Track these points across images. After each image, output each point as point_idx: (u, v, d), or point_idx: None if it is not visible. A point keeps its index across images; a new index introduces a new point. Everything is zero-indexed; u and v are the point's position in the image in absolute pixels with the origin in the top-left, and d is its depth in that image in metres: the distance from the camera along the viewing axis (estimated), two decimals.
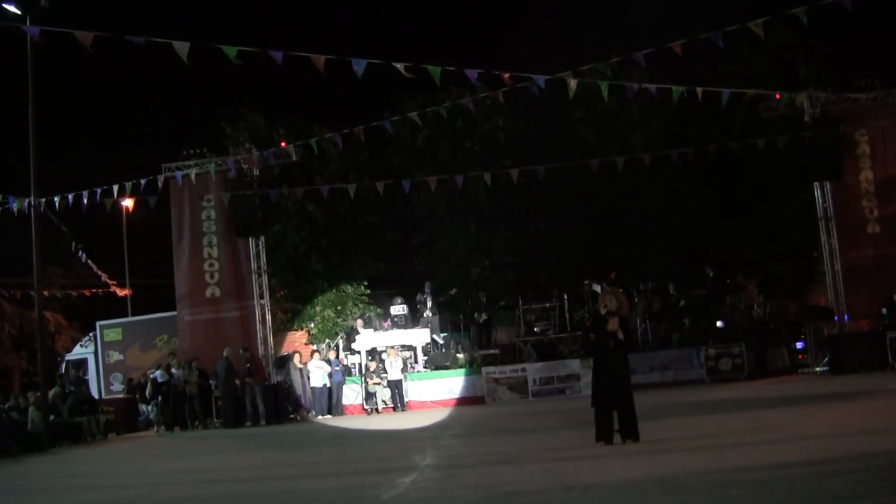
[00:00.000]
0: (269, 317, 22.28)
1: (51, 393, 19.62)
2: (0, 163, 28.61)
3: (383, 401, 21.40)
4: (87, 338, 28.28)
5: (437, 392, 21.65)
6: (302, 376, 21.57)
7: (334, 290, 25.48)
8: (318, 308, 25.25)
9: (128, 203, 30.86)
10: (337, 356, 22.76)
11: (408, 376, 21.80)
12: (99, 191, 20.10)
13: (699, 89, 17.38)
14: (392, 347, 21.86)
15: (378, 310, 24.86)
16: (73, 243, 27.65)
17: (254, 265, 22.10)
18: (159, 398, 21.16)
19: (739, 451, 8.68)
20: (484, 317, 24.15)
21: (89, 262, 29.05)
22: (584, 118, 25.96)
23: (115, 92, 42.52)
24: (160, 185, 21.35)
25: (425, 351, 22.92)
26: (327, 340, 24.71)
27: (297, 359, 21.98)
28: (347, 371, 22.28)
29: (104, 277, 31.53)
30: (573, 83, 15.65)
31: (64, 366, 26.97)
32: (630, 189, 25.26)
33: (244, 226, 21.79)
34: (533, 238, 25.95)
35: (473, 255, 26.14)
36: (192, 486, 10.30)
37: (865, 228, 21.26)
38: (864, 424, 10.26)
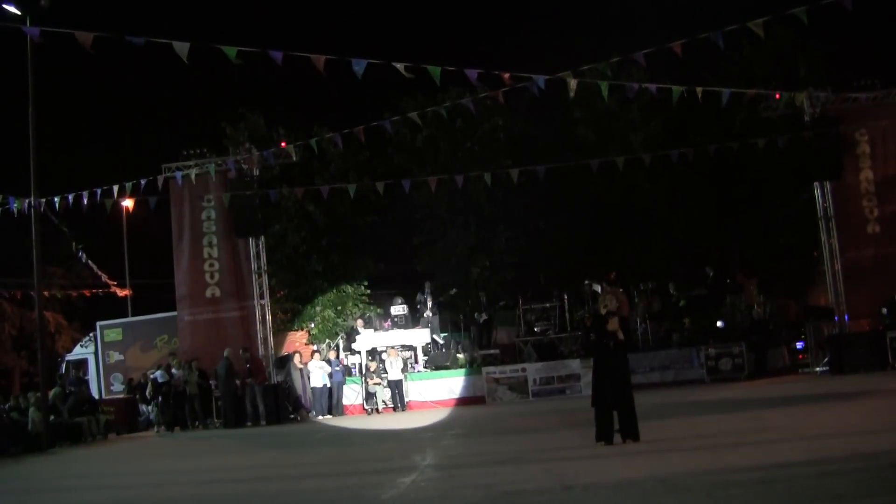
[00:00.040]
0: (269, 317, 22.28)
1: (51, 393, 19.62)
2: (0, 163, 28.60)
3: (383, 401, 21.41)
4: (87, 338, 28.28)
5: (438, 392, 21.65)
6: (302, 376, 21.57)
7: (334, 290, 25.47)
8: (318, 308, 25.24)
9: (128, 203, 30.85)
10: (337, 356, 22.77)
11: (408, 376, 21.80)
12: (99, 191, 20.11)
13: (699, 89, 17.38)
14: (392, 347, 21.86)
15: (378, 310, 24.86)
16: (74, 243, 27.66)
17: (254, 265, 22.11)
18: (159, 398, 21.16)
19: (739, 450, 8.69)
20: (484, 317, 24.15)
21: (90, 262, 29.07)
22: (584, 118, 25.95)
23: (115, 92, 42.51)
24: (160, 185, 21.36)
25: (425, 351, 22.92)
26: (327, 340, 24.71)
27: (297, 359, 21.98)
28: (348, 371, 22.28)
29: (104, 277, 31.56)
30: (573, 83, 15.65)
31: (64, 366, 26.98)
32: (630, 189, 25.24)
33: (244, 226, 21.79)
34: (533, 238, 25.93)
35: (473, 254, 26.13)
36: (192, 486, 10.31)
37: (865, 228, 21.27)
38: (865, 424, 10.27)
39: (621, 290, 15.20)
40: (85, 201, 20.12)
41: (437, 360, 22.55)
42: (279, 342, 24.00)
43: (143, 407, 23.09)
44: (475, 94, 18.79)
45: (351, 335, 23.79)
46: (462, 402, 21.31)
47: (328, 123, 22.84)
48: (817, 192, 21.35)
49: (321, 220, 25.32)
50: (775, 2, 14.52)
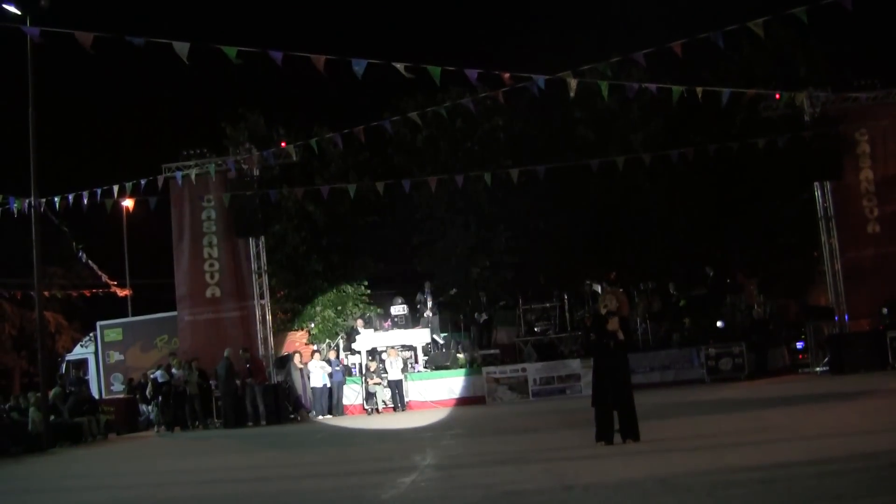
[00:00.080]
0: (269, 317, 22.28)
1: (51, 393, 19.62)
2: (0, 163, 28.61)
3: (384, 401, 21.41)
4: (87, 338, 28.28)
5: (438, 392, 21.66)
6: (302, 376, 21.57)
7: (334, 290, 25.47)
8: (318, 308, 25.24)
9: (128, 203, 30.85)
10: (337, 356, 22.77)
11: (408, 376, 21.80)
12: (99, 191, 20.10)
13: (699, 89, 17.37)
14: (392, 347, 21.86)
15: (378, 310, 24.86)
16: (74, 243, 27.66)
17: (254, 265, 22.11)
18: (160, 398, 21.17)
19: (740, 450, 8.69)
20: (484, 317, 24.15)
21: (90, 262, 29.06)
22: (584, 118, 25.94)
23: (115, 92, 42.56)
24: (160, 185, 21.36)
25: (425, 351, 22.92)
26: (327, 340, 24.71)
27: (297, 359, 21.99)
28: (348, 371, 22.28)
29: (104, 278, 31.56)
30: (573, 83, 15.64)
31: (64, 366, 26.98)
32: (630, 189, 25.24)
33: (244, 226, 21.79)
34: (533, 238, 25.93)
35: (473, 254, 26.12)
36: (192, 486, 10.31)
37: (865, 228, 21.27)
38: (865, 424, 10.27)
39: (621, 289, 15.21)
40: (85, 201, 20.12)
41: (437, 360, 22.55)
42: (279, 342, 24.00)
43: (143, 407, 23.09)
44: (475, 94, 18.78)
45: (351, 335, 23.79)
46: (462, 402, 21.31)
47: (328, 123, 22.86)
48: (817, 192, 21.36)
49: (321, 220, 25.32)
50: (775, 2, 14.53)
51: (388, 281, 27.01)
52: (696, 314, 22.61)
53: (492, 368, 21.74)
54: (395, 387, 21.29)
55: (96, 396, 23.90)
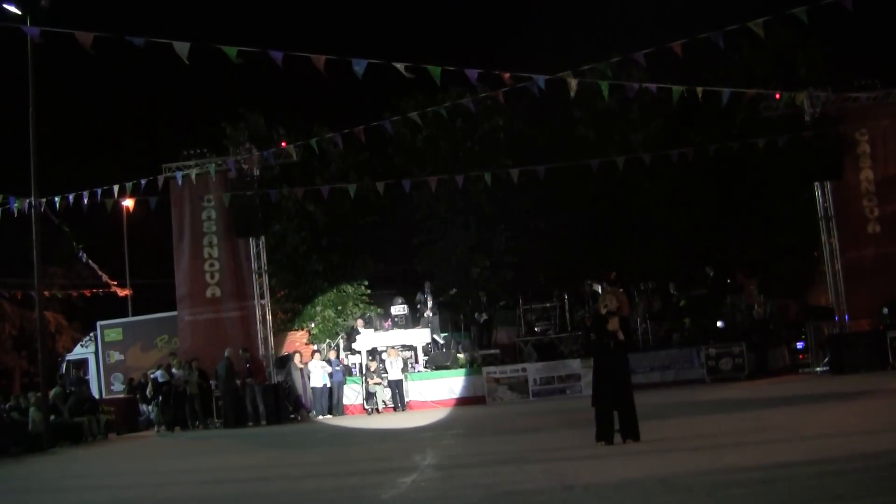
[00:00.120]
0: (269, 317, 22.28)
1: (51, 393, 19.63)
2: (0, 163, 28.62)
3: (384, 401, 21.41)
4: (87, 338, 28.28)
5: (438, 392, 21.66)
6: (302, 376, 21.57)
7: (335, 290, 25.47)
8: (318, 308, 25.24)
9: (128, 203, 30.85)
10: (337, 356, 22.78)
11: (408, 376, 21.80)
12: (99, 191, 20.11)
13: (699, 89, 17.37)
14: (392, 347, 21.86)
15: (378, 310, 24.86)
16: (74, 243, 27.66)
17: (254, 265, 22.10)
18: (160, 398, 21.17)
19: (740, 450, 8.69)
20: (484, 317, 24.15)
21: (90, 262, 29.07)
22: (584, 118, 25.94)
23: (115, 92, 42.56)
24: (160, 185, 21.36)
25: (426, 351, 22.92)
26: (328, 340, 24.71)
27: (297, 359, 21.99)
28: (348, 371, 22.28)
29: (105, 277, 31.56)
30: (574, 83, 15.64)
31: (64, 366, 26.98)
32: (630, 189, 25.24)
33: (244, 226, 21.78)
34: (533, 238, 25.93)
35: (474, 254, 26.13)
36: (192, 486, 10.31)
37: (866, 228, 21.27)
38: (865, 424, 10.27)
39: (621, 289, 15.21)
40: (85, 201, 20.12)
41: (437, 360, 22.55)
42: (279, 342, 24.00)
43: (143, 407, 23.09)
44: (475, 94, 18.78)
45: (351, 335, 23.79)
46: (462, 402, 21.31)
47: (328, 123, 22.86)
48: (818, 192, 21.36)
49: (321, 220, 25.33)
50: (775, 2, 14.53)
51: (389, 281, 27.00)
52: (696, 314, 22.61)
53: (492, 368, 21.75)
54: (396, 387, 21.29)
55: (96, 396, 23.90)
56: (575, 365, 21.02)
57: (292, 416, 21.37)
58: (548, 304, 23.55)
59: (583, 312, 23.07)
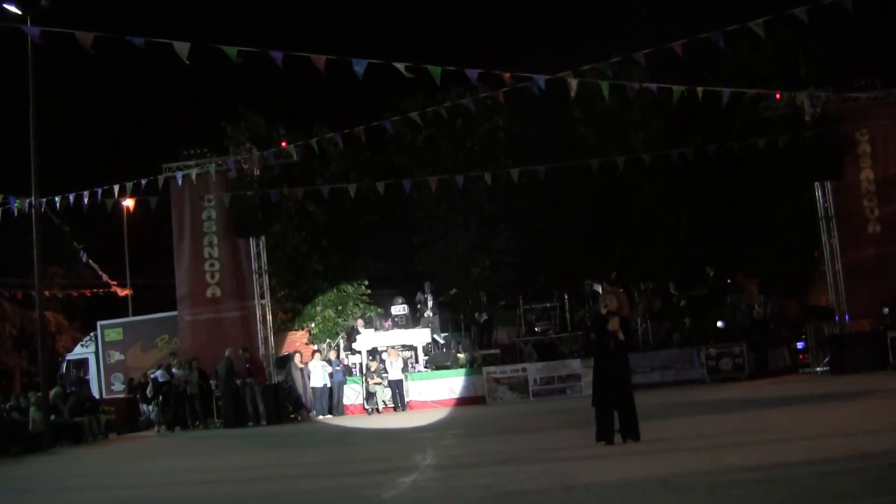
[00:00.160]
0: (269, 317, 22.28)
1: (52, 393, 19.62)
2: (1, 163, 28.63)
3: (384, 401, 21.41)
4: (87, 338, 28.28)
5: (438, 392, 21.65)
6: (303, 376, 21.57)
7: (335, 290, 25.48)
8: (318, 308, 25.25)
9: (128, 203, 30.85)
10: (338, 356, 22.77)
11: (408, 376, 21.80)
12: (100, 191, 20.10)
13: (700, 89, 17.37)
14: (393, 347, 21.86)
15: (379, 310, 24.87)
16: (74, 243, 27.67)
17: (254, 265, 22.10)
18: (160, 398, 21.17)
19: (740, 450, 8.69)
20: (484, 317, 24.15)
21: (90, 262, 29.07)
22: (584, 118, 25.96)
23: (115, 92, 42.57)
24: (161, 185, 21.35)
25: (426, 351, 22.92)
26: (328, 340, 24.72)
27: (297, 359, 21.98)
28: (348, 371, 22.28)
29: (105, 277, 31.57)
30: (574, 83, 15.64)
31: (65, 366, 26.97)
32: (630, 189, 25.26)
33: (245, 226, 21.79)
34: (533, 238, 25.94)
35: (474, 254, 26.14)
36: (192, 486, 10.31)
37: (866, 228, 21.27)
38: (865, 424, 10.27)
39: (622, 289, 15.19)
40: (85, 201, 20.11)
41: (437, 360, 22.55)
42: (280, 342, 24.00)
43: (143, 407, 23.08)
44: (475, 94, 18.78)
45: (351, 335, 23.79)
46: (462, 401, 21.31)
47: (329, 123, 22.87)
48: (818, 192, 21.35)
49: (322, 219, 25.34)
50: (776, 2, 14.53)
51: (389, 281, 27.02)
52: (696, 314, 22.61)
53: (492, 368, 21.74)
54: (396, 386, 21.29)
55: (97, 396, 23.90)
56: (575, 365, 21.02)
57: (292, 416, 21.37)
58: (548, 304, 23.54)
59: (583, 312, 23.06)
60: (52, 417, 18.86)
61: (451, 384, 21.70)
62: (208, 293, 22.23)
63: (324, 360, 21.87)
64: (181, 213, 22.47)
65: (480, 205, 25.68)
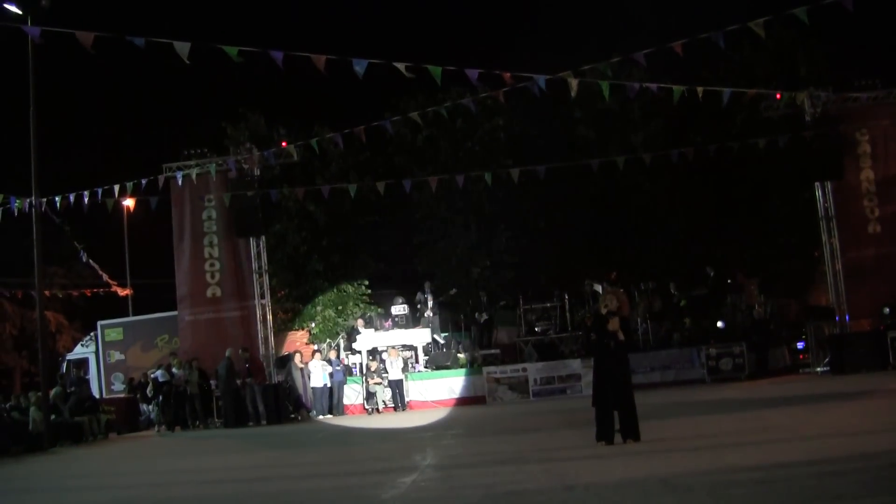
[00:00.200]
0: (269, 317, 22.28)
1: (52, 393, 19.62)
2: (1, 163, 28.63)
3: (384, 401, 21.41)
4: (88, 337, 28.30)
5: (438, 392, 21.66)
6: (303, 376, 21.57)
7: (335, 290, 25.48)
8: (318, 308, 25.25)
9: (129, 203, 30.86)
10: (338, 356, 22.77)
11: (408, 376, 21.80)
12: (100, 191, 20.09)
13: (700, 89, 17.37)
14: (393, 347, 21.86)
15: (379, 309, 24.87)
16: (75, 243, 27.67)
17: (255, 265, 22.10)
18: (160, 398, 21.17)
19: (740, 450, 8.69)
20: (485, 316, 24.15)
21: (91, 261, 29.07)
22: (584, 118, 25.96)
23: (116, 92, 42.56)
24: (161, 184, 21.34)
25: (426, 351, 22.92)
26: (328, 340, 24.72)
27: (297, 358, 21.98)
28: (348, 371, 22.28)
29: (105, 277, 31.57)
30: (574, 83, 15.64)
31: (65, 365, 26.97)
32: (631, 189, 25.26)
33: (245, 226, 21.79)
34: (533, 238, 25.95)
35: (474, 254, 26.15)
36: (193, 486, 10.31)
37: (866, 228, 21.27)
38: (865, 424, 10.27)
39: (622, 289, 15.19)
40: (86, 201, 20.11)
41: (437, 360, 22.56)
42: (280, 342, 24.01)
43: (143, 406, 23.09)
44: (476, 93, 18.78)
45: (351, 335, 23.79)
46: (462, 401, 21.31)
47: (329, 123, 22.87)
48: (818, 192, 21.35)
49: (322, 219, 25.35)
50: (776, 2, 14.52)
51: (389, 281, 27.02)
52: (696, 314, 22.61)
53: (492, 368, 21.74)
54: (396, 386, 21.29)
55: (97, 396, 23.90)
56: (575, 365, 21.02)
57: (293, 415, 21.37)
58: (548, 304, 23.54)
59: (583, 312, 23.05)
60: (53, 417, 18.87)
61: (451, 384, 21.70)
62: (208, 293, 22.24)
63: (324, 359, 21.87)
64: (181, 213, 22.47)
65: (480, 205, 25.68)
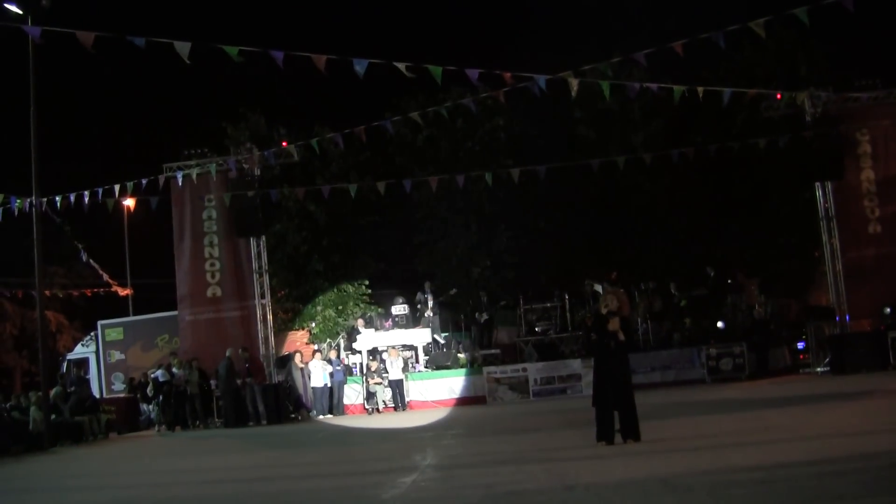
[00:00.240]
0: (270, 316, 22.28)
1: (52, 392, 19.63)
2: (1, 162, 28.62)
3: (384, 401, 21.41)
4: (88, 337, 28.31)
5: (438, 392, 21.66)
6: (303, 376, 21.58)
7: (335, 290, 25.47)
8: (319, 308, 25.25)
9: (129, 203, 30.86)
10: (338, 356, 22.78)
11: (409, 376, 21.80)
12: (100, 190, 20.09)
13: (700, 89, 17.36)
14: (393, 347, 21.86)
15: (379, 309, 24.87)
16: (75, 243, 27.68)
17: (255, 265, 22.10)
18: (160, 398, 21.17)
19: (740, 450, 8.69)
20: (485, 316, 24.15)
21: (91, 261, 29.08)
22: (584, 118, 25.96)
23: (116, 92, 42.57)
24: (161, 184, 21.35)
25: (426, 351, 22.93)
26: (328, 340, 24.72)
27: (298, 358, 21.99)
28: (348, 371, 22.29)
29: (105, 277, 31.58)
30: (575, 83, 15.63)
31: (65, 365, 26.99)
32: (631, 189, 25.25)
33: (245, 225, 21.79)
34: (534, 238, 25.94)
35: (474, 254, 26.15)
36: (193, 485, 10.31)
37: (867, 228, 21.26)
38: (865, 424, 10.27)
39: (622, 289, 15.18)
40: (86, 201, 20.10)
41: (437, 360, 22.56)
42: (280, 342, 24.00)
43: (143, 406, 23.10)
44: (476, 93, 18.78)
45: (352, 335, 23.79)
46: (463, 401, 21.31)
47: (329, 123, 22.86)
48: (818, 192, 21.35)
49: (322, 219, 25.34)
50: (776, 2, 14.52)
51: (389, 280, 27.02)
52: (696, 314, 22.61)
53: (492, 368, 21.74)
54: (396, 386, 21.29)
55: (97, 396, 23.91)
56: (575, 365, 21.02)
57: (293, 415, 21.38)
58: (548, 304, 23.54)
59: (583, 312, 23.06)
60: (53, 417, 18.88)
61: (451, 384, 21.71)
62: (209, 293, 22.24)
63: (324, 359, 21.88)
64: (182, 213, 22.47)
65: (481, 205, 25.68)
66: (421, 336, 22.85)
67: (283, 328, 24.83)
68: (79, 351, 27.83)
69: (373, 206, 25.41)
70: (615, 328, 9.82)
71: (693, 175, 24.47)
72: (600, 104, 24.09)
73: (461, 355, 22.39)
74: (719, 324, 22.18)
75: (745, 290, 24.34)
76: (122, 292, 32.61)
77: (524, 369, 21.51)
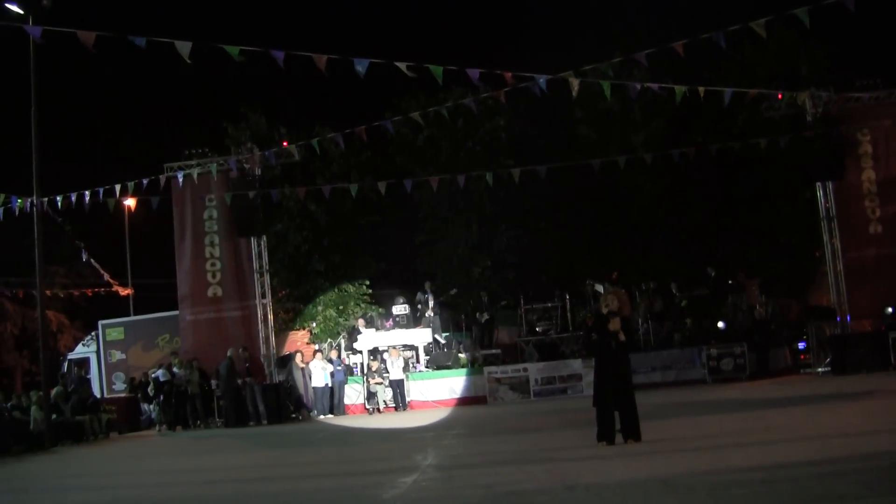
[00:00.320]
0: (270, 316, 22.28)
1: (53, 392, 19.63)
2: (2, 162, 28.63)
3: (385, 400, 21.41)
4: (89, 337, 28.30)
5: (439, 392, 21.66)
6: (304, 376, 21.58)
7: (336, 290, 25.48)
8: (319, 308, 25.26)
9: (130, 202, 30.87)
10: (339, 356, 22.78)
11: (409, 376, 21.80)
12: (101, 190, 20.09)
13: (701, 89, 17.36)
14: (394, 347, 21.86)
15: (380, 309, 24.88)
16: (76, 243, 27.69)
17: (255, 265, 22.11)
18: (161, 397, 21.18)
19: (741, 451, 8.68)
20: (486, 316, 24.15)
21: (92, 261, 29.09)
22: (585, 118, 25.97)
23: (117, 92, 42.55)
24: (162, 184, 21.35)
25: (427, 350, 22.92)
26: (329, 340, 24.73)
27: (298, 358, 21.99)
28: (349, 371, 22.29)
29: (106, 277, 31.59)
30: (576, 83, 15.63)
31: (66, 365, 26.97)
32: (632, 189, 25.26)
33: (246, 225, 21.79)
34: (534, 238, 25.96)
35: (475, 254, 26.16)
36: (193, 485, 10.31)
37: (867, 228, 21.26)
38: (866, 425, 10.26)
39: (623, 289, 15.19)
40: (87, 200, 20.10)
41: (438, 360, 22.56)
42: (281, 342, 24.00)
43: (144, 406, 23.10)
44: (477, 93, 18.79)
45: (352, 335, 23.80)
46: (463, 401, 21.31)
47: (330, 123, 22.89)
48: (819, 192, 21.35)
49: (323, 219, 25.35)
50: (777, 2, 14.52)
51: (390, 280, 27.02)
52: (697, 314, 22.60)
53: (493, 368, 21.74)
54: (397, 386, 21.30)
55: (98, 395, 23.91)
56: (576, 365, 21.02)
57: (293, 415, 21.38)
58: (549, 304, 23.55)
59: (584, 312, 23.05)
60: (54, 416, 18.88)
61: (452, 384, 21.71)
62: (209, 293, 22.24)
63: (325, 359, 21.87)
64: (182, 213, 22.48)
65: (481, 205, 25.69)
66: (422, 336, 22.85)
67: (283, 328, 24.83)
68: (80, 350, 27.83)
69: (373, 206, 25.42)
70: (616, 328, 9.82)
71: (694, 175, 24.48)
72: (601, 104, 24.10)
73: (462, 355, 22.40)
74: (720, 324, 22.17)
75: (745, 290, 24.33)
76: (123, 292, 32.62)
77: (525, 369, 21.51)
